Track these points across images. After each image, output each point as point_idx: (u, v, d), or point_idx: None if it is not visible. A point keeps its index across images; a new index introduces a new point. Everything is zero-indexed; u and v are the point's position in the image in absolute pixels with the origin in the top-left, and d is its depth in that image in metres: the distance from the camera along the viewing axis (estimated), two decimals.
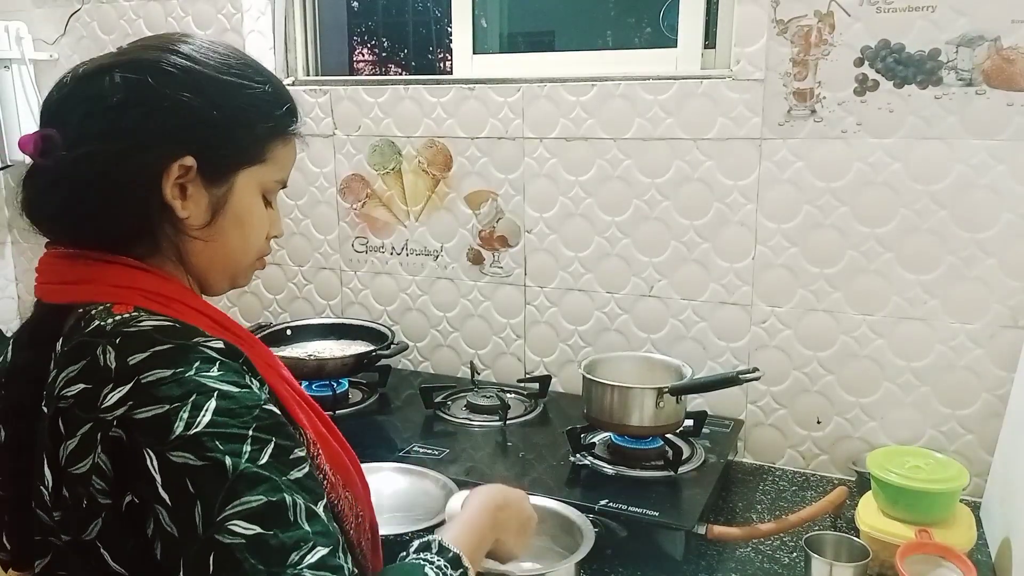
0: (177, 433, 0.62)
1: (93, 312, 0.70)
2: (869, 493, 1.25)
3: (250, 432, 0.64)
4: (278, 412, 0.68)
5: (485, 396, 1.60)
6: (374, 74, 3.22)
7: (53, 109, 0.75)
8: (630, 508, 1.19)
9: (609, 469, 1.33)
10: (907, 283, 1.40)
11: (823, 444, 1.50)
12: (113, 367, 0.65)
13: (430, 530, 1.14)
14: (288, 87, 1.95)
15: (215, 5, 1.86)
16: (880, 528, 1.17)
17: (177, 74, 0.73)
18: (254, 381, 0.69)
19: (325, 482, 0.76)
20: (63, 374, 0.67)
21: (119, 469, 0.64)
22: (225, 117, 0.75)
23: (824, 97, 1.39)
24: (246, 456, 0.63)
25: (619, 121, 1.55)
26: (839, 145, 1.40)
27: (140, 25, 1.94)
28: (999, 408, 1.35)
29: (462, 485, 1.27)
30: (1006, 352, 1.34)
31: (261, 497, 0.62)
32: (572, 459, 1.36)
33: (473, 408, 1.58)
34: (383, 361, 1.66)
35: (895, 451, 1.28)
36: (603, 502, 1.20)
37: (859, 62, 1.36)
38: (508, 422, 1.53)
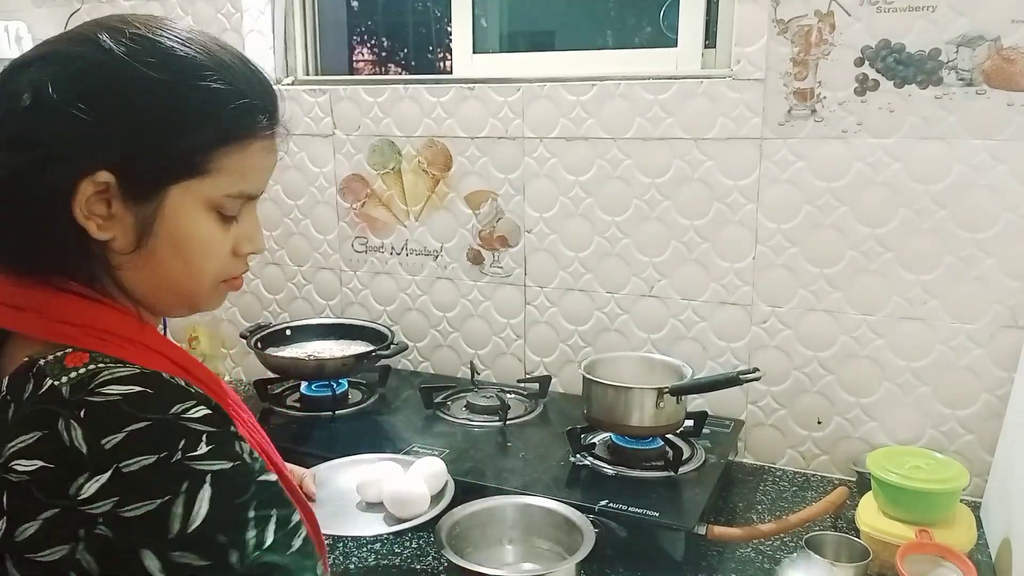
0: (175, 532, 0.56)
1: (42, 363, 0.61)
2: (869, 493, 1.25)
3: (251, 513, 0.59)
4: (272, 478, 0.62)
5: (485, 396, 1.60)
6: (374, 74, 3.21)
7: None
8: (630, 508, 1.19)
9: (609, 469, 1.33)
10: (907, 283, 1.40)
11: (823, 444, 1.50)
12: (84, 450, 0.56)
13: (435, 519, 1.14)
14: (288, 87, 1.96)
15: (215, 5, 1.86)
16: (880, 528, 1.17)
17: (90, 73, 0.62)
18: (243, 445, 0.62)
19: None
20: (13, 441, 0.57)
21: (107, 568, 0.56)
22: (148, 125, 0.63)
23: (824, 97, 1.39)
24: (251, 543, 0.58)
25: (619, 121, 1.55)
26: (839, 145, 1.40)
27: None
28: (999, 408, 1.35)
29: (461, 485, 1.27)
30: (1006, 352, 1.34)
31: None
32: (572, 459, 1.36)
33: (473, 408, 1.57)
34: (383, 361, 1.66)
35: (895, 451, 1.28)
36: (603, 502, 1.20)
37: (859, 62, 1.36)
38: (508, 422, 1.52)
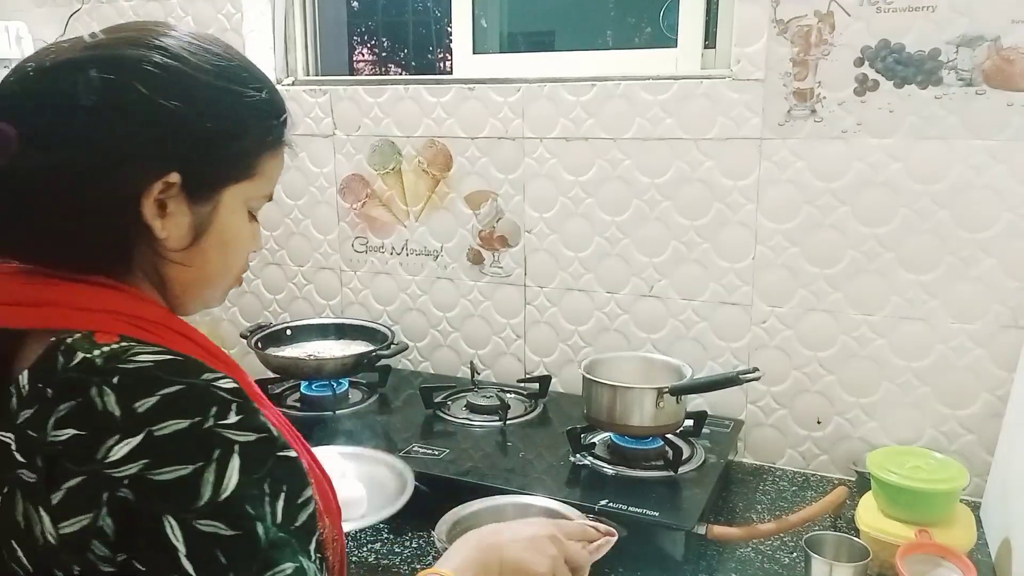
0: (204, 500, 0.56)
1: (70, 341, 0.60)
2: (869, 493, 1.25)
3: (267, 487, 0.59)
4: (292, 454, 0.63)
5: (485, 396, 1.60)
6: (374, 74, 3.21)
7: (10, 102, 0.64)
8: (630, 508, 1.19)
9: (609, 469, 1.33)
10: (907, 283, 1.40)
11: (823, 444, 1.50)
12: (117, 414, 0.56)
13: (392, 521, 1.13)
14: (288, 87, 1.96)
15: (215, 5, 1.86)
16: (880, 528, 1.17)
17: (163, 76, 0.64)
18: (267, 420, 0.62)
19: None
20: (52, 416, 0.57)
21: (122, 533, 0.56)
22: (215, 129, 0.67)
23: (824, 97, 1.39)
24: (270, 517, 0.58)
25: (619, 121, 1.55)
26: (839, 145, 1.40)
27: None
28: (999, 408, 1.35)
29: (461, 484, 1.27)
30: (1006, 352, 1.34)
31: (290, 564, 0.59)
32: (572, 459, 1.36)
33: (473, 408, 1.57)
34: (383, 361, 1.66)
35: (895, 451, 1.28)
36: (603, 502, 1.20)
37: (859, 62, 1.36)
38: (508, 422, 1.52)
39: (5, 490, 0.58)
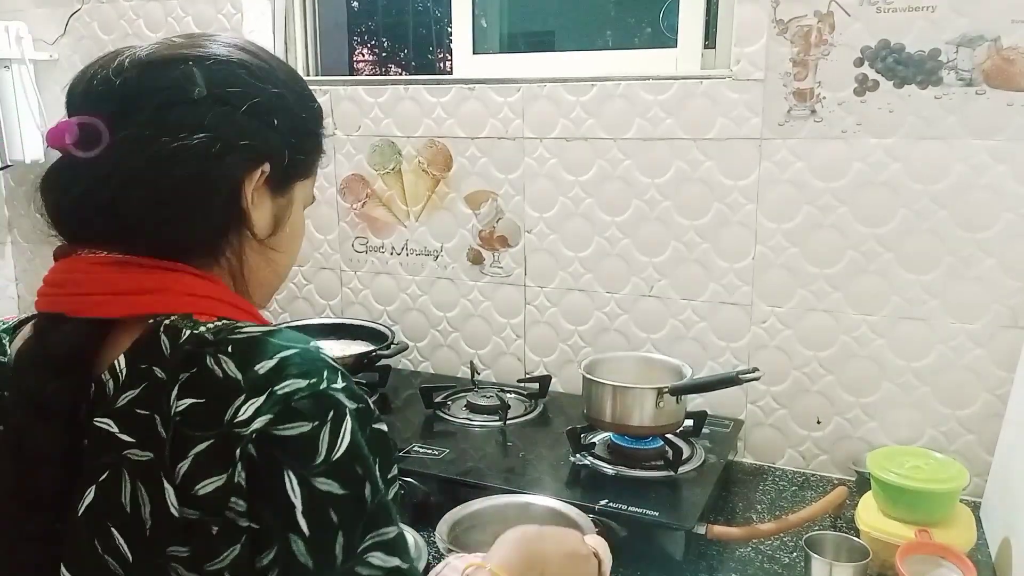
0: (322, 457, 0.58)
1: (169, 322, 0.62)
2: (869, 493, 1.25)
3: (368, 452, 0.61)
4: (384, 428, 0.65)
5: (485, 396, 1.60)
6: (374, 74, 3.21)
7: (109, 96, 0.65)
8: (630, 508, 1.19)
9: (609, 469, 1.33)
10: (907, 283, 1.40)
11: (823, 444, 1.50)
12: (239, 377, 0.58)
13: None
14: None
15: (215, 5, 1.86)
16: (880, 528, 1.17)
17: (259, 71, 0.70)
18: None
19: None
20: (171, 390, 0.59)
21: (250, 488, 0.57)
22: (298, 124, 0.72)
23: (824, 97, 1.39)
24: (375, 482, 0.61)
25: (619, 121, 1.55)
26: (839, 145, 1.40)
27: (140, 25, 1.94)
28: (999, 408, 1.35)
29: (461, 484, 1.27)
30: (1006, 352, 1.34)
31: (393, 528, 0.61)
32: (572, 459, 1.36)
33: (473, 408, 1.57)
34: (383, 361, 1.67)
35: (895, 451, 1.28)
36: (603, 502, 1.20)
37: (859, 62, 1.36)
38: (508, 422, 1.52)
39: (103, 477, 0.59)
